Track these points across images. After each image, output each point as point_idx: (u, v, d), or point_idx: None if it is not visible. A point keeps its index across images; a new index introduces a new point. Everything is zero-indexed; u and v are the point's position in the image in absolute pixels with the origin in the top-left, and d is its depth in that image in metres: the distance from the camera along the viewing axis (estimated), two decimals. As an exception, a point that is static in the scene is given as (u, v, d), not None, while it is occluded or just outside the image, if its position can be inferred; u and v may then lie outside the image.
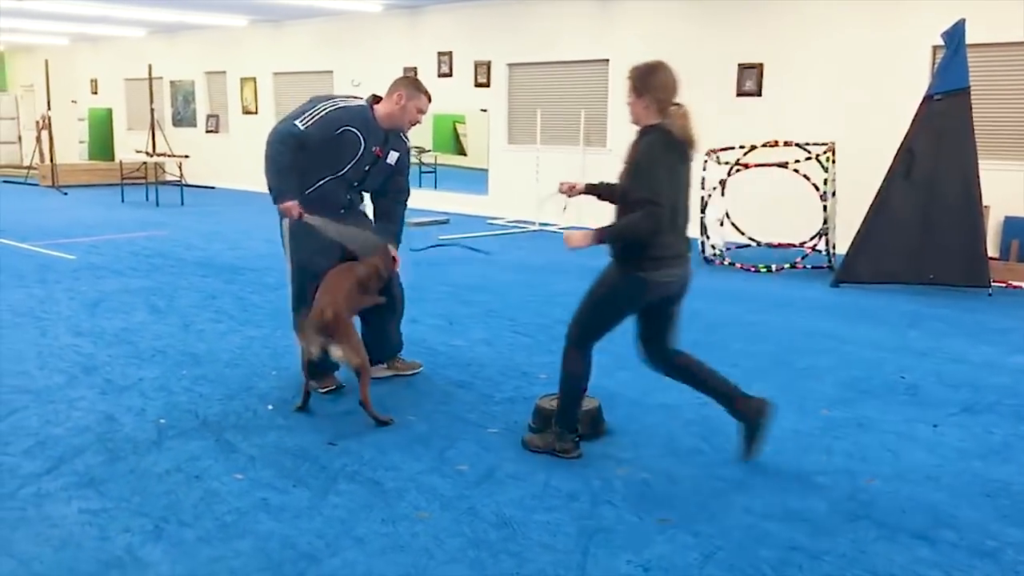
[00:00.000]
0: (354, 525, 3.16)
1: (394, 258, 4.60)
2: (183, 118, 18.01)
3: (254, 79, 16.30)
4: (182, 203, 13.90)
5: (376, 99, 4.51)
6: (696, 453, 3.87)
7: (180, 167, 15.09)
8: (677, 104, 3.48)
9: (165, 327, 5.98)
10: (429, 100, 4.51)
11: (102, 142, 18.89)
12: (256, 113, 16.36)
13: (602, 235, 3.50)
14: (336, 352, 4.16)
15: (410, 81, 4.50)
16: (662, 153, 3.42)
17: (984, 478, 3.62)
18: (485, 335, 5.87)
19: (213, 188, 16.67)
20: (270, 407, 4.40)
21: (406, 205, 4.81)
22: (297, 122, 4.28)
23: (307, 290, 4.42)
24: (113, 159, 17.71)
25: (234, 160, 16.71)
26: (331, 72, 14.84)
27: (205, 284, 7.52)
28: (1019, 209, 8.42)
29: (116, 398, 4.51)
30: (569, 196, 3.92)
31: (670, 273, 3.54)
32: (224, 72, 16.89)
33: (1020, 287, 7.72)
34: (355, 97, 4.50)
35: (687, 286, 3.69)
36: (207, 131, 17.46)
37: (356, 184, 4.56)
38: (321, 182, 4.42)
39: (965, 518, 3.25)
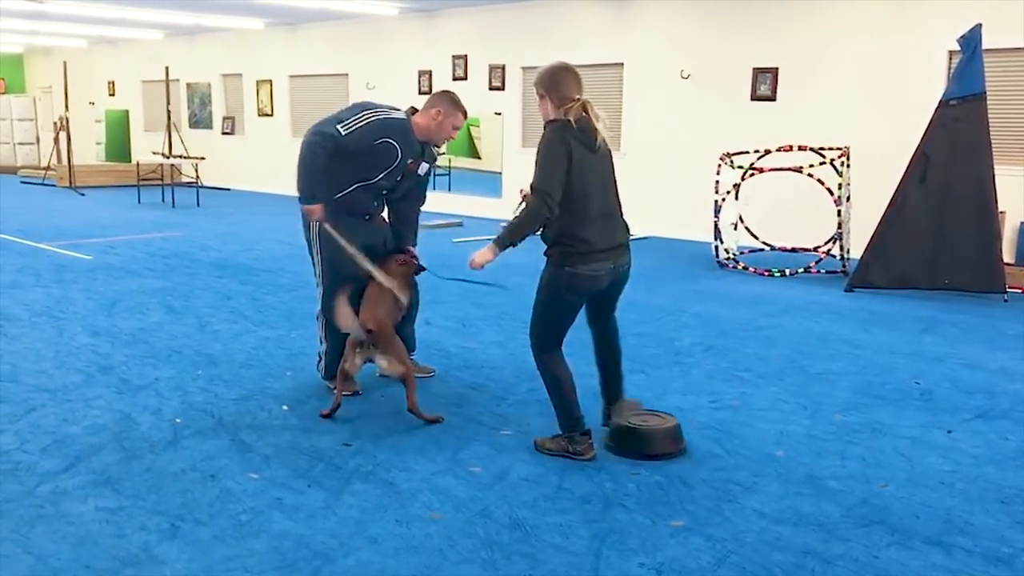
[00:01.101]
0: (368, 525, 3.18)
1: (413, 258, 4.70)
2: (199, 120, 18.11)
3: (270, 82, 16.38)
4: (198, 204, 13.98)
5: (414, 111, 4.54)
6: (709, 457, 3.87)
7: (196, 169, 15.18)
8: (577, 99, 3.59)
9: (181, 327, 6.03)
10: (465, 117, 4.55)
11: (119, 144, 19.02)
12: (272, 116, 16.45)
13: (499, 239, 3.65)
14: (382, 363, 4.23)
15: (449, 98, 4.51)
16: (557, 143, 3.52)
17: (999, 484, 3.61)
18: (498, 337, 5.88)
19: (228, 190, 16.75)
20: (285, 407, 4.43)
21: (421, 211, 4.89)
22: (339, 126, 4.26)
23: (338, 290, 4.44)
24: (130, 160, 17.84)
25: (250, 162, 16.81)
26: (346, 75, 14.91)
27: (220, 285, 7.56)
28: (1036, 215, 8.38)
29: (132, 397, 4.55)
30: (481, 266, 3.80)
31: (596, 267, 3.62)
32: (240, 75, 16.98)
33: (1036, 293, 7.67)
34: (396, 109, 4.49)
35: (624, 274, 3.81)
36: (223, 133, 17.56)
37: (384, 192, 4.59)
38: (352, 188, 4.44)
39: (979, 524, 3.24)
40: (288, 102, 16.18)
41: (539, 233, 3.68)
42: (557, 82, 3.65)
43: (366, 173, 4.41)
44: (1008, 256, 8.14)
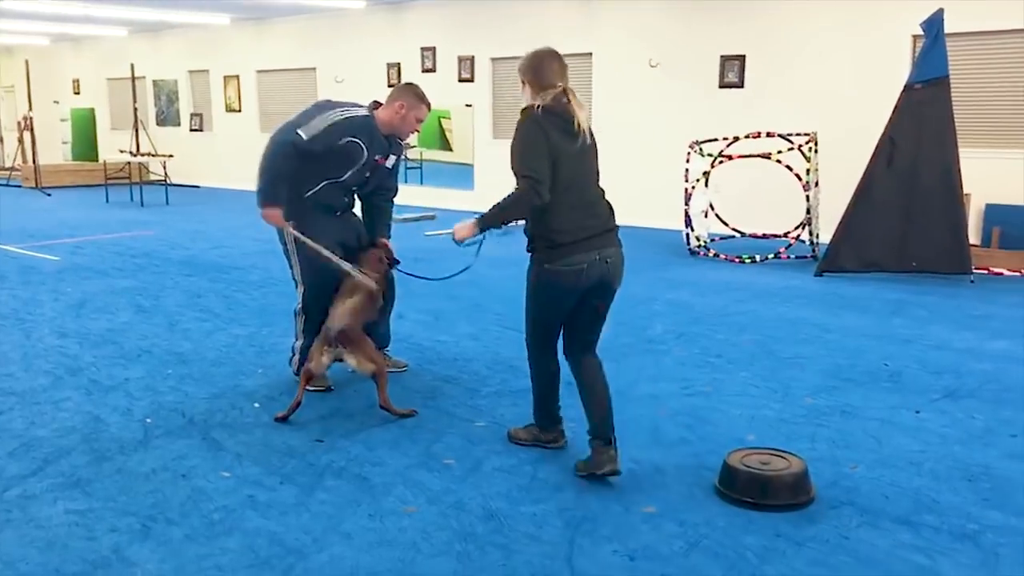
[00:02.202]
0: (341, 521, 3.17)
1: (388, 254, 4.70)
2: (167, 117, 17.93)
3: (237, 77, 16.24)
4: (167, 202, 13.85)
5: (377, 105, 4.50)
6: (681, 443, 3.90)
7: (164, 166, 15.03)
8: (558, 86, 3.38)
9: (150, 327, 5.97)
10: (429, 109, 4.51)
11: (85, 142, 18.81)
12: (240, 111, 16.32)
13: (483, 218, 3.50)
14: (351, 361, 4.20)
15: (412, 91, 4.47)
16: (536, 129, 3.30)
17: (965, 463, 3.66)
18: (471, 330, 5.88)
19: (198, 187, 16.61)
20: (256, 405, 4.41)
21: (393, 202, 4.86)
22: (300, 131, 4.22)
23: (326, 290, 4.44)
24: (97, 159, 17.64)
25: (219, 159, 16.67)
26: (314, 69, 14.81)
27: (190, 283, 7.50)
28: (1000, 196, 8.49)
29: (102, 398, 4.51)
30: (462, 240, 3.76)
31: (576, 260, 3.36)
32: (207, 71, 16.83)
33: (1002, 274, 7.78)
34: (359, 105, 4.45)
35: (613, 275, 3.46)
36: (191, 130, 17.40)
37: (354, 188, 4.57)
38: (321, 186, 4.41)
39: (947, 502, 3.29)
40: (256, 97, 16.06)
41: (522, 226, 3.50)
42: (537, 68, 3.43)
43: (333, 172, 4.39)
44: (974, 238, 8.25)
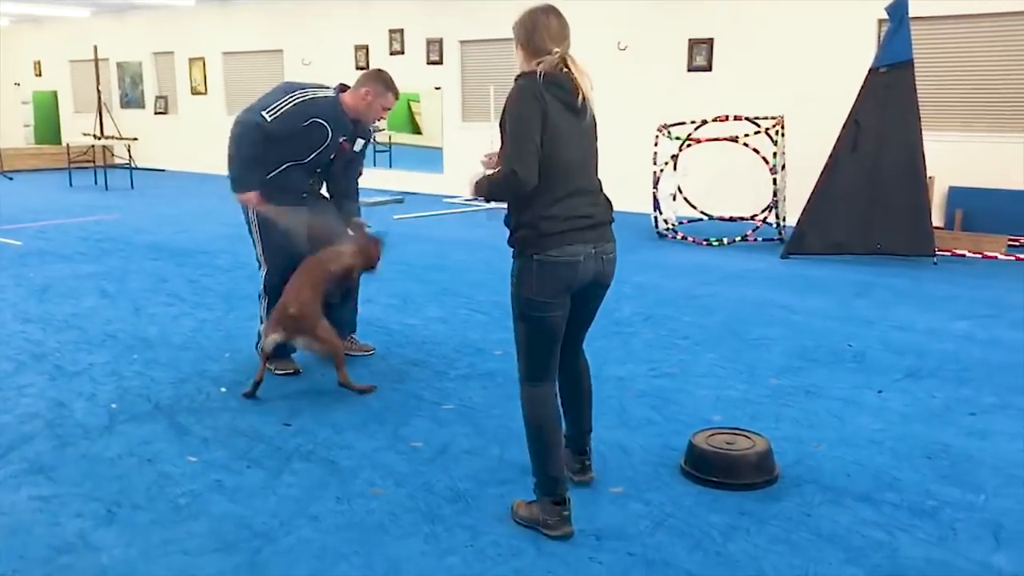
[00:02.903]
0: (308, 504, 3.17)
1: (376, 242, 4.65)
2: (131, 100, 17.69)
3: (203, 60, 16.05)
4: (132, 186, 13.68)
5: (344, 88, 4.46)
6: (647, 424, 3.93)
7: (129, 150, 14.83)
8: (554, 52, 2.86)
9: (116, 311, 5.91)
10: (396, 97, 4.47)
11: (48, 125, 18.52)
12: (206, 94, 16.14)
13: (477, 185, 2.99)
14: (302, 344, 4.22)
15: (380, 78, 4.42)
16: (527, 100, 2.79)
17: (925, 441, 3.72)
18: (440, 313, 5.88)
19: (163, 171, 16.42)
20: (223, 389, 4.39)
21: (359, 182, 4.84)
22: (264, 113, 4.20)
23: (283, 272, 4.42)
24: (60, 142, 17.37)
25: (184, 142, 16.48)
26: (281, 51, 14.67)
27: (156, 268, 7.43)
28: (963, 179, 8.61)
29: (66, 384, 4.46)
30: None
31: (573, 251, 2.83)
32: (172, 53, 16.60)
33: (964, 256, 7.90)
34: (324, 87, 4.42)
35: (609, 268, 2.98)
36: (156, 113, 17.18)
37: (319, 171, 4.54)
38: (284, 167, 4.38)
39: (907, 480, 3.35)
40: (222, 80, 15.88)
41: (503, 219, 2.98)
42: (532, 28, 2.90)
43: (297, 154, 4.36)
44: (937, 220, 8.37)
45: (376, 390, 4.29)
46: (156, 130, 16.95)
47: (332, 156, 4.47)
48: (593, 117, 2.96)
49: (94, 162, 14.94)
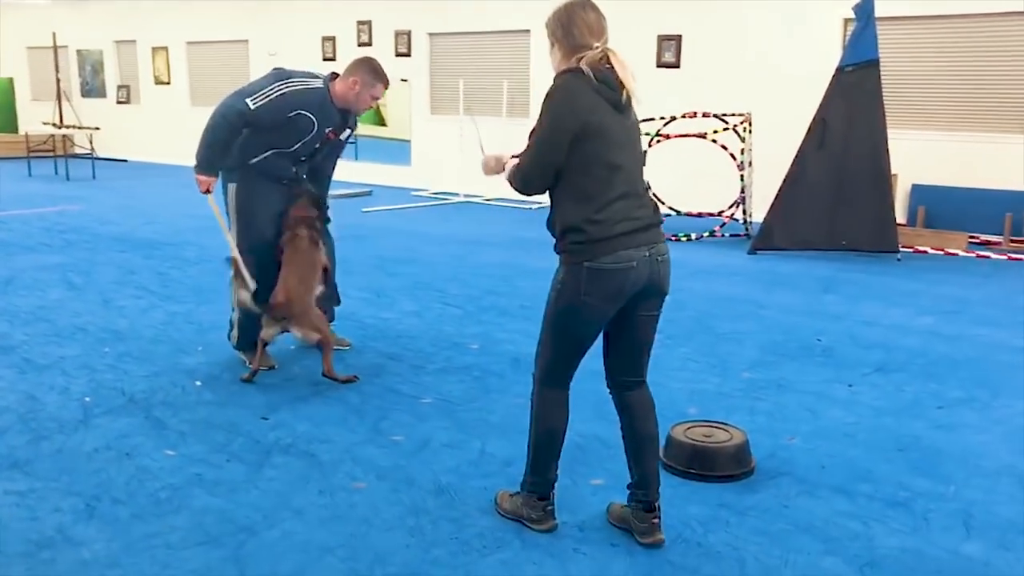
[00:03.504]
0: (291, 497, 3.17)
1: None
2: (91, 89, 17.40)
3: (166, 49, 15.83)
4: (94, 176, 13.47)
5: (335, 76, 4.43)
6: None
7: (91, 139, 14.58)
8: (594, 47, 2.72)
9: (84, 304, 5.84)
10: (386, 87, 4.44)
11: (5, 114, 18.12)
12: (169, 84, 15.93)
13: (510, 169, 2.87)
14: (295, 332, 4.24)
15: (369, 67, 4.39)
16: (564, 100, 2.67)
17: (897, 433, 3.81)
18: (414, 307, 5.88)
19: (126, 161, 16.19)
20: (198, 383, 4.36)
21: (335, 167, 4.87)
22: (248, 100, 4.17)
23: (263, 258, 4.42)
24: (17, 131, 17.03)
25: (147, 132, 16.27)
26: (246, 42, 14.52)
27: (123, 259, 7.34)
28: (925, 177, 8.77)
29: (37, 377, 4.40)
30: (500, 173, 3.03)
31: (626, 256, 2.67)
32: (134, 41, 16.36)
33: (926, 252, 8.05)
34: (315, 76, 4.38)
35: (664, 277, 2.81)
36: (118, 102, 16.92)
37: (304, 159, 4.52)
38: (268, 153, 4.37)
39: (880, 471, 3.42)
40: (186, 70, 15.68)
41: (545, 221, 2.83)
42: (568, 22, 2.76)
43: (281, 143, 4.34)
44: (900, 217, 8.52)
45: (358, 380, 4.32)
46: (118, 120, 16.69)
47: (318, 146, 4.45)
48: (637, 115, 2.84)
49: (54, 151, 14.69)
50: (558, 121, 2.66)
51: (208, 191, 4.36)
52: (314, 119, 4.29)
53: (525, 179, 2.76)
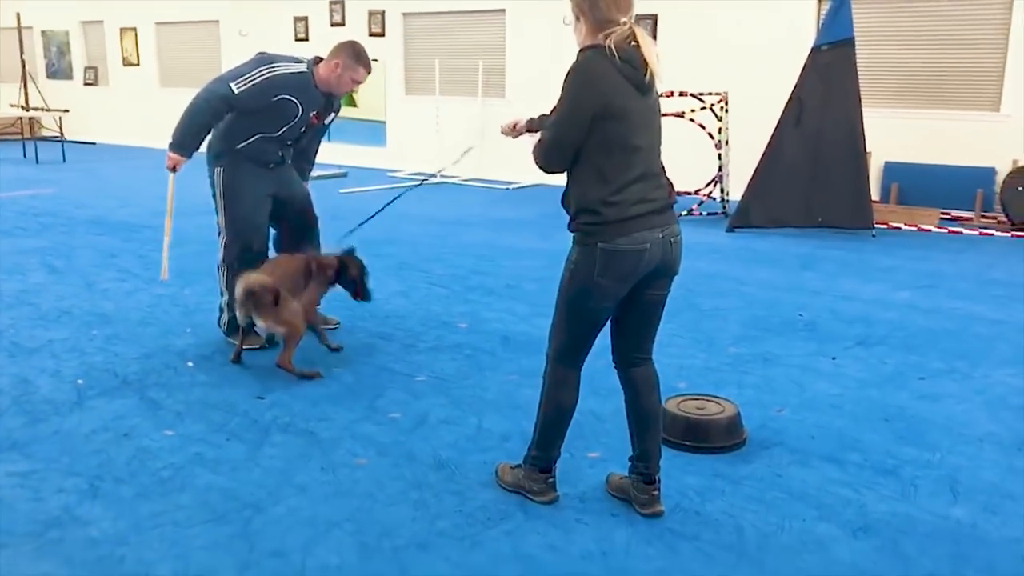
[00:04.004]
0: (293, 474, 3.20)
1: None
2: (58, 70, 17.12)
3: (135, 29, 15.61)
4: (64, 160, 13.29)
5: (319, 60, 4.43)
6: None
7: (59, 122, 14.38)
8: (621, 22, 2.65)
9: (67, 287, 5.80)
10: (368, 71, 4.44)
11: (-32, 96, 17.79)
12: (138, 65, 15.72)
13: (531, 121, 3.04)
14: (259, 322, 4.16)
15: (352, 51, 4.39)
16: (586, 78, 2.64)
17: (881, 404, 3.91)
18: (400, 287, 5.91)
19: (94, 144, 15.98)
20: (190, 364, 4.36)
21: (318, 148, 4.90)
22: (232, 84, 4.18)
23: (253, 243, 4.44)
24: (-18, 114, 16.74)
25: (117, 115, 16.05)
26: (217, 22, 14.36)
27: (102, 243, 7.29)
28: (898, 154, 8.90)
29: (26, 360, 4.39)
30: (513, 137, 3.18)
31: (640, 238, 2.70)
32: (101, 21, 16.10)
33: (900, 228, 8.19)
34: (298, 61, 4.38)
35: (675, 258, 2.85)
36: (85, 84, 16.67)
37: (290, 143, 4.52)
38: (253, 139, 4.37)
39: (867, 441, 3.52)
40: (155, 51, 15.48)
41: (560, 197, 2.83)
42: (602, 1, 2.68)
43: (266, 127, 4.35)
44: (874, 194, 8.65)
45: (320, 377, 4.18)
46: (86, 102, 16.45)
47: (303, 130, 4.46)
48: (658, 94, 2.81)
49: (21, 134, 14.47)
50: (579, 100, 2.64)
51: (174, 169, 4.39)
52: (298, 103, 4.29)
53: (546, 156, 2.73)
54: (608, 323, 2.91)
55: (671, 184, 2.86)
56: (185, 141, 4.30)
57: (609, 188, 2.67)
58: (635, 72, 2.64)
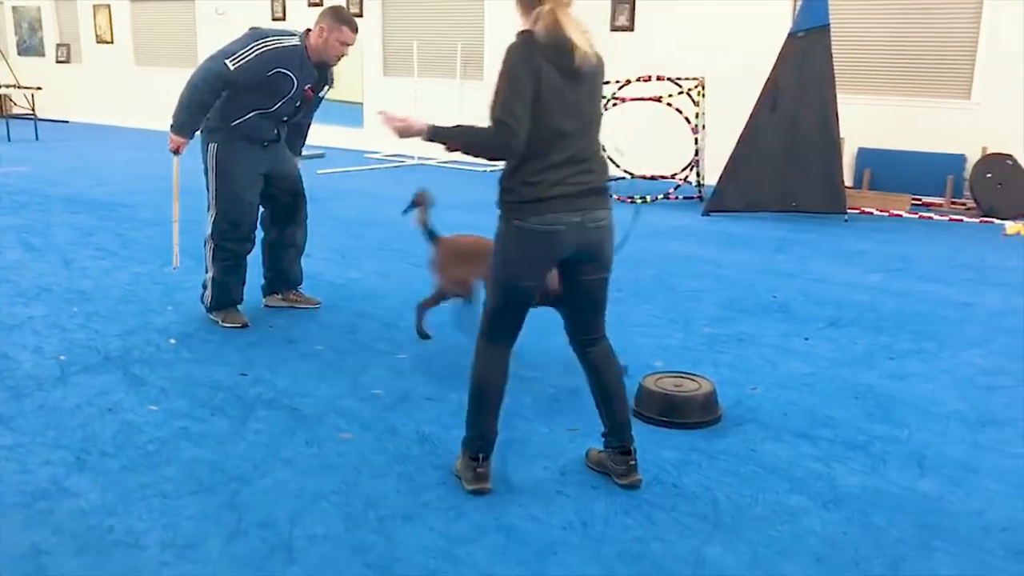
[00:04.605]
0: (279, 448, 3.26)
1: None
2: (29, 47, 16.90)
3: (108, 7, 15.43)
4: (37, 138, 13.16)
5: (309, 32, 4.43)
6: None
7: (32, 100, 14.22)
8: (544, 3, 2.66)
9: (45, 264, 5.80)
10: (353, 31, 4.41)
11: (-63, 72, 17.54)
12: (112, 43, 15.55)
13: (436, 129, 2.77)
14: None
15: (332, 12, 4.40)
16: (519, 62, 2.64)
17: (852, 383, 4.02)
18: (379, 268, 5.95)
19: (67, 122, 15.81)
20: (172, 341, 4.39)
21: (311, 122, 4.91)
22: (228, 61, 4.20)
23: (242, 221, 4.45)
24: (-48, 91, 16.51)
25: (90, 93, 15.89)
26: (193, 1, 14.22)
27: (78, 221, 7.26)
28: (871, 140, 9.03)
29: (7, 336, 4.40)
30: (398, 134, 2.89)
31: (553, 219, 2.70)
32: (74, -2, 15.92)
33: (871, 213, 8.33)
34: (290, 34, 4.39)
35: (600, 242, 2.83)
36: (58, 61, 16.47)
37: (286, 119, 4.54)
38: (249, 116, 4.38)
39: (838, 418, 3.62)
40: (130, 28, 15.32)
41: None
42: None
43: (263, 103, 4.36)
44: (847, 180, 8.77)
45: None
46: (58, 79, 16.25)
47: (299, 104, 4.48)
48: (594, 77, 2.76)
49: (-7, 112, 14.31)
50: (516, 69, 2.63)
51: (177, 152, 4.39)
52: (293, 77, 4.32)
53: (501, 119, 2.63)
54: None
55: (606, 165, 2.86)
56: (185, 122, 4.31)
57: (530, 169, 2.70)
58: (560, 56, 2.65)
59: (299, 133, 4.81)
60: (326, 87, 4.63)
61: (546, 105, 2.65)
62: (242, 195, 4.44)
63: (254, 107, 4.36)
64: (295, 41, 4.35)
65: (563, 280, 2.93)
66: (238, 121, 4.37)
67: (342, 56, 4.48)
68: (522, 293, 2.86)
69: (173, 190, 4.66)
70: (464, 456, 3.00)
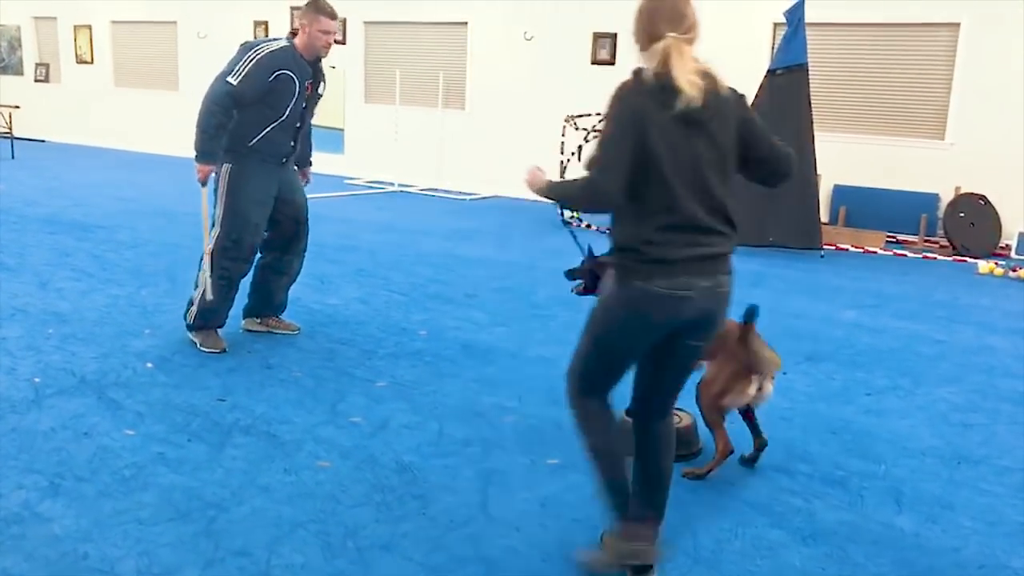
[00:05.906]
0: (256, 475, 3.22)
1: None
2: (8, 66, 16.81)
3: (89, 27, 15.40)
4: (12, 156, 13.05)
5: (294, 33, 4.47)
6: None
7: (10, 118, 14.13)
8: (666, 37, 2.38)
9: (20, 285, 5.73)
10: (331, 17, 4.40)
11: (-87, 89, 17.39)
12: (92, 63, 15.50)
13: (550, 185, 2.60)
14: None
15: (309, 5, 4.41)
16: (622, 108, 2.36)
17: (829, 418, 4.05)
18: (359, 294, 5.93)
19: (44, 141, 15.71)
20: (149, 365, 4.35)
21: (311, 123, 4.87)
22: (230, 79, 4.22)
23: (244, 241, 4.44)
24: (-73, 107, 16.37)
25: (68, 112, 15.81)
26: (175, 23, 14.24)
27: (55, 241, 7.19)
28: (847, 178, 9.16)
29: (-20, 358, 4.34)
30: (529, 187, 2.70)
31: (682, 283, 2.39)
32: (55, 18, 15.86)
33: (847, 249, 8.43)
34: (275, 39, 4.43)
35: (720, 310, 2.56)
36: (36, 80, 16.39)
37: (299, 126, 4.54)
38: (266, 130, 4.39)
39: (816, 453, 3.65)
40: (110, 49, 15.28)
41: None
42: (642, 15, 2.47)
43: (274, 111, 4.37)
44: (823, 216, 8.89)
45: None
46: (36, 98, 16.17)
47: (304, 105, 4.49)
48: (722, 123, 2.42)
49: (-31, 130, 14.19)
50: (616, 115, 2.36)
51: (205, 182, 4.39)
52: (293, 76, 4.35)
53: (593, 175, 2.36)
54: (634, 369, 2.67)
55: (733, 225, 2.52)
56: (208, 149, 4.33)
57: (651, 225, 2.39)
58: (665, 96, 2.32)
59: (306, 141, 4.81)
60: (323, 82, 4.65)
61: (655, 152, 2.33)
62: (249, 215, 4.43)
63: (268, 120, 4.37)
64: (284, 43, 4.40)
65: (664, 344, 2.55)
66: (256, 140, 4.39)
67: (330, 45, 4.48)
68: (627, 359, 2.61)
69: (203, 222, 4.59)
70: (620, 528, 2.64)
